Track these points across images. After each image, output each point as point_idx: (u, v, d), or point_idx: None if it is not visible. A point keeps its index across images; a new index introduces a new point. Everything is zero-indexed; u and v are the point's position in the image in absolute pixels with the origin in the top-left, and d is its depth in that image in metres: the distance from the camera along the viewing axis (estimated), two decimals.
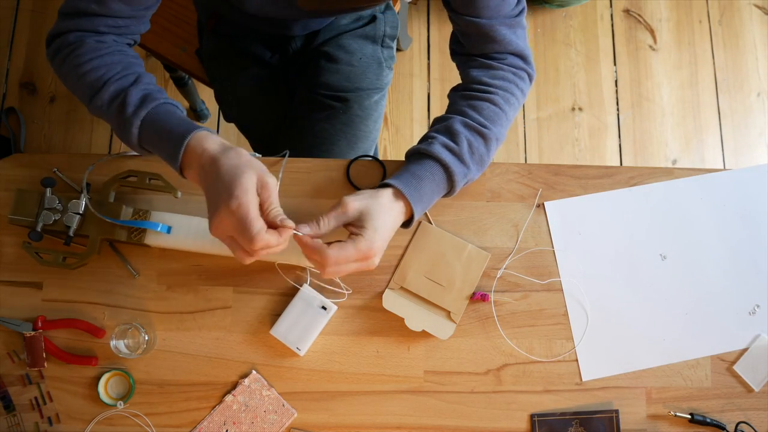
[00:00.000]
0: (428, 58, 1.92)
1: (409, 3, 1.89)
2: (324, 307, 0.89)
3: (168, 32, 1.33)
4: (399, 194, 0.82)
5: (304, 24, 1.08)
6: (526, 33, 0.89)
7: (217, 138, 0.77)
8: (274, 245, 0.72)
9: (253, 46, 1.16)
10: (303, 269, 0.92)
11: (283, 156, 0.95)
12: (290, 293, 0.91)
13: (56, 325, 0.90)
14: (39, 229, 0.87)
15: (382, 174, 0.96)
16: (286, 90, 1.20)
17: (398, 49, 1.89)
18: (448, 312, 0.91)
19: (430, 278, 0.92)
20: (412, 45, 1.93)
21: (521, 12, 0.88)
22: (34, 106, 1.87)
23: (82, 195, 0.88)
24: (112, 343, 0.86)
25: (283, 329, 0.89)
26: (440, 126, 0.86)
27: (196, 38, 1.29)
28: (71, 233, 0.88)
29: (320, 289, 0.91)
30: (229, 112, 1.25)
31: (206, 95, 1.85)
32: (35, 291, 0.91)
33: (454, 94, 0.90)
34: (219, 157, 0.73)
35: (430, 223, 0.94)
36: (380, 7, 1.17)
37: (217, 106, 1.28)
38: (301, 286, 0.90)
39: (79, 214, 0.88)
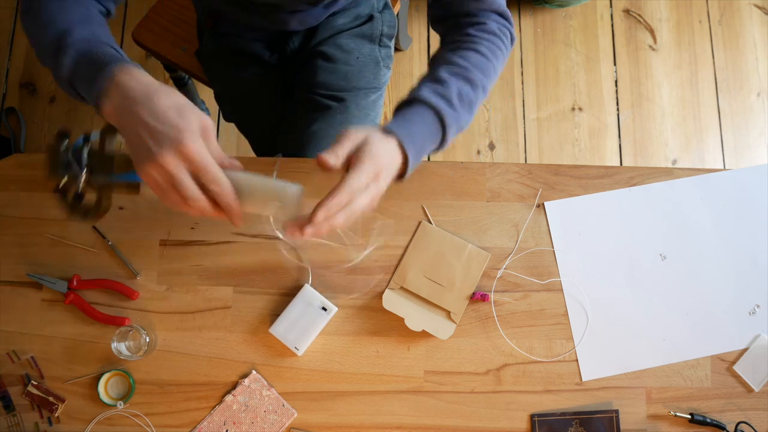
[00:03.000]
0: (428, 58, 1.92)
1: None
2: (324, 308, 0.89)
3: (168, 32, 1.33)
4: (390, 133, 0.75)
5: (301, 19, 1.08)
6: None
7: (149, 76, 0.68)
8: (228, 192, 0.65)
9: (251, 46, 1.16)
10: (304, 269, 0.92)
11: (283, 155, 0.95)
12: (291, 293, 0.91)
13: (91, 285, 0.91)
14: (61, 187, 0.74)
15: None
16: (284, 90, 1.20)
17: (398, 49, 1.89)
18: (448, 312, 0.91)
19: (430, 278, 0.92)
20: (412, 45, 1.93)
21: None
22: (34, 106, 1.87)
23: (92, 133, 0.74)
24: (113, 345, 0.86)
25: (283, 328, 0.89)
26: (426, 77, 0.82)
27: (196, 38, 1.29)
28: (80, 190, 0.74)
29: (321, 290, 0.91)
30: (228, 112, 1.25)
31: (206, 95, 1.85)
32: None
33: (438, 50, 0.87)
34: (157, 92, 0.65)
35: (430, 223, 0.94)
36: (378, 6, 1.17)
37: (217, 106, 1.28)
38: (302, 286, 0.90)
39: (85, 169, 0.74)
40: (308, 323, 0.89)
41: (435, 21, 0.91)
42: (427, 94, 0.79)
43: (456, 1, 0.86)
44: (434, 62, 0.85)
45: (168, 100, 0.65)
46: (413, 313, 0.90)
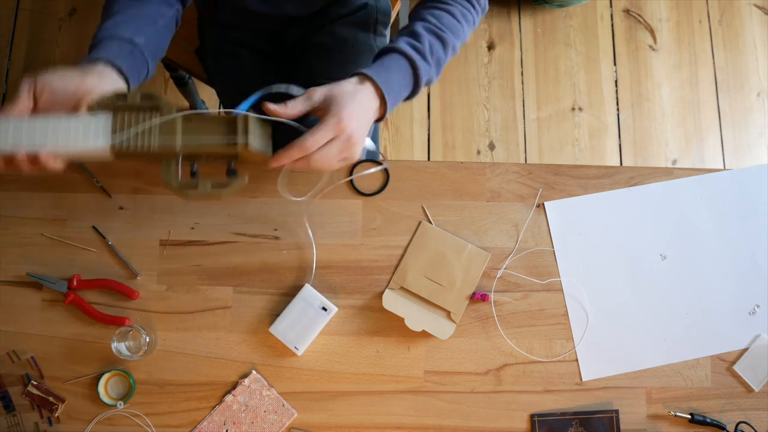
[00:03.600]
0: None
1: None
2: (324, 308, 0.89)
3: None
4: (366, 78, 0.82)
5: (298, 1, 1.09)
6: None
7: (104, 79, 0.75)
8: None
9: (250, 38, 1.17)
10: (305, 268, 0.92)
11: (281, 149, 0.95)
12: (291, 293, 0.91)
13: (91, 285, 0.90)
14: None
15: (386, 177, 0.96)
16: (283, 81, 1.21)
17: None
18: (448, 312, 0.91)
19: (430, 278, 0.92)
20: None
21: None
22: None
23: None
24: (114, 345, 0.86)
25: (283, 328, 0.89)
26: (403, 30, 0.89)
27: (196, 37, 1.29)
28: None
29: (322, 291, 0.91)
30: (228, 107, 1.25)
31: (206, 94, 1.84)
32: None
33: (416, 8, 0.93)
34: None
35: (430, 223, 0.94)
36: None
37: (217, 106, 1.29)
38: (303, 285, 0.90)
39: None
40: (308, 323, 0.89)
41: None
42: (404, 45, 0.85)
43: None
44: (411, 17, 0.91)
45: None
46: (413, 313, 0.90)
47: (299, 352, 0.89)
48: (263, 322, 0.91)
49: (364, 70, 0.82)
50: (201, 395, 0.89)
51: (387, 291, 0.91)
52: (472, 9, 0.93)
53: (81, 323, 0.91)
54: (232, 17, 1.17)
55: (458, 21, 0.91)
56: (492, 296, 0.92)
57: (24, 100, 0.72)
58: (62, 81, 0.73)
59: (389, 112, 0.83)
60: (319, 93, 0.80)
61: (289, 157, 0.77)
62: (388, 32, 1.22)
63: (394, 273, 0.92)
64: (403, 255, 0.93)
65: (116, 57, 0.78)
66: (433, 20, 0.88)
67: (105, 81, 0.75)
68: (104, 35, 0.81)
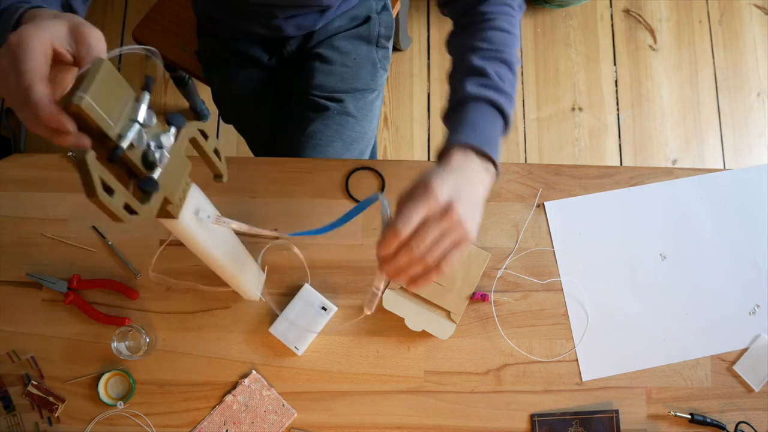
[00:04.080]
0: (428, 58, 1.92)
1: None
2: (324, 308, 0.89)
3: (168, 32, 1.33)
4: (462, 146, 0.70)
5: (297, 24, 1.08)
6: None
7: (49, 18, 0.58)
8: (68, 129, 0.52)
9: (250, 49, 1.16)
10: (304, 268, 0.92)
11: (281, 155, 0.95)
12: (290, 293, 0.91)
13: (91, 285, 0.91)
14: (124, 146, 0.53)
15: (381, 183, 0.96)
16: (282, 92, 1.20)
17: (398, 49, 1.89)
18: (449, 312, 0.91)
19: None
20: (412, 45, 1.93)
21: None
22: None
23: (171, 128, 0.60)
24: (113, 345, 0.86)
25: (282, 328, 0.89)
26: (461, 71, 0.78)
27: (196, 38, 1.29)
28: (156, 175, 0.58)
29: (321, 290, 0.91)
30: (227, 114, 1.25)
31: (206, 95, 1.84)
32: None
33: (455, 38, 0.83)
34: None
35: None
36: (377, 8, 1.17)
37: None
38: (302, 285, 0.90)
39: (168, 155, 0.59)
40: (308, 323, 0.89)
41: (442, 4, 0.87)
42: (475, 89, 0.75)
43: None
44: (457, 51, 0.81)
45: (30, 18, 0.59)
46: (413, 313, 0.90)
47: (299, 352, 0.89)
48: (263, 322, 0.91)
49: (452, 140, 0.70)
50: (201, 395, 0.89)
51: (387, 291, 0.91)
52: (512, 11, 0.82)
53: (81, 323, 0.91)
54: (231, 34, 1.17)
55: (508, 32, 0.80)
56: (492, 296, 0.92)
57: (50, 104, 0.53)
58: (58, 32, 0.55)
59: (499, 167, 0.73)
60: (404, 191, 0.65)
61: (385, 247, 0.62)
62: (390, 45, 1.21)
63: None
64: None
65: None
66: (486, 45, 0.78)
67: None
68: None
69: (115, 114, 0.53)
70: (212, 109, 1.86)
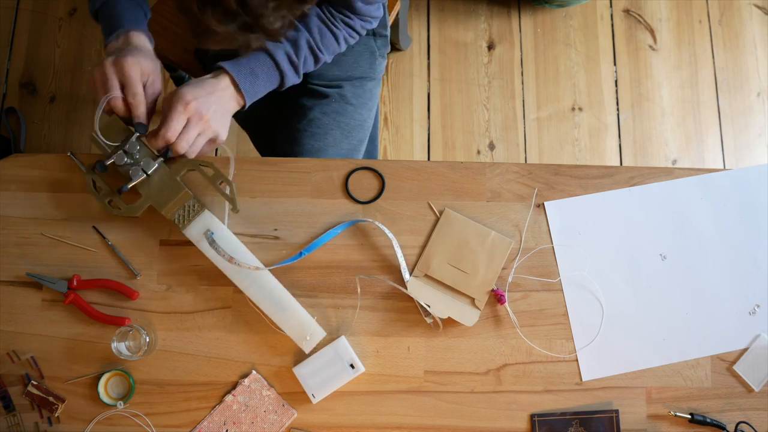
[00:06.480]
0: (428, 58, 1.92)
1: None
2: (352, 366, 0.88)
3: (168, 31, 1.33)
4: (222, 72, 0.91)
5: None
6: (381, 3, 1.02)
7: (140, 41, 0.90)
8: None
9: None
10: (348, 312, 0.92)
11: (282, 148, 0.95)
12: (290, 294, 0.91)
13: (91, 285, 0.90)
14: (107, 164, 0.87)
15: (381, 183, 0.96)
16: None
17: (398, 49, 1.89)
18: (473, 299, 0.91)
19: (453, 265, 0.92)
20: (412, 45, 1.93)
21: None
22: (34, 106, 1.87)
23: (159, 159, 0.88)
24: (113, 345, 0.86)
25: (306, 372, 0.88)
26: (290, 35, 0.95)
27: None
28: (128, 186, 0.88)
29: (322, 290, 0.91)
30: None
31: None
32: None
33: (316, 9, 0.98)
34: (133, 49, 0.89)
35: (438, 218, 0.94)
36: None
37: None
38: (339, 337, 0.89)
39: (146, 173, 0.88)
40: (332, 375, 0.88)
41: None
42: (281, 55, 0.93)
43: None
44: (303, 17, 0.96)
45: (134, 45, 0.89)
46: (438, 301, 0.90)
47: (315, 401, 0.88)
48: (263, 322, 0.91)
49: (225, 65, 0.91)
50: (201, 395, 0.89)
51: (411, 278, 0.91)
52: (354, 34, 1.02)
53: (81, 323, 0.91)
54: None
55: (338, 44, 1.00)
56: (507, 296, 0.91)
57: (138, 75, 0.86)
58: (139, 65, 0.86)
59: (248, 103, 0.93)
60: (170, 94, 0.88)
61: (153, 145, 0.87)
62: (388, 32, 1.22)
63: (417, 261, 0.92)
64: (426, 242, 0.93)
65: (136, 23, 0.91)
66: (317, 37, 0.97)
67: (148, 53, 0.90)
68: None
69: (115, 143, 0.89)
70: None
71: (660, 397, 0.91)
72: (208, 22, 0.73)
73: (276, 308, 0.88)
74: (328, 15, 0.99)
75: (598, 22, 1.96)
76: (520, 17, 1.95)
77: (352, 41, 1.04)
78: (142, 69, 0.86)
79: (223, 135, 0.90)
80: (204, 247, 0.89)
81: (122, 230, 0.93)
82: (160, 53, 1.33)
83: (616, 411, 0.90)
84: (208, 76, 0.91)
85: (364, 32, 1.04)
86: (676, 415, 0.89)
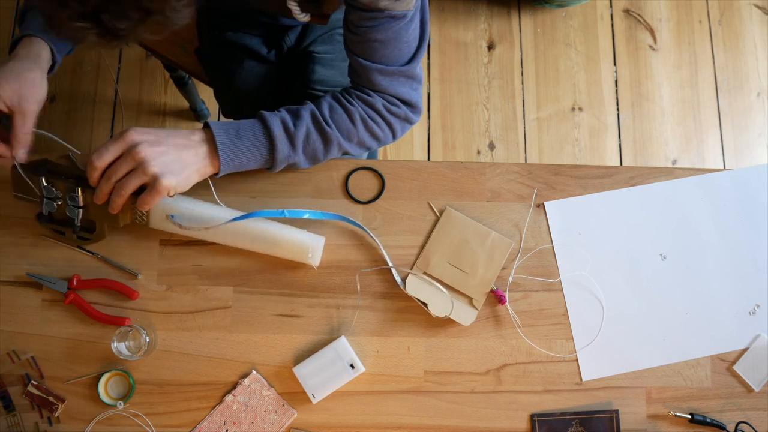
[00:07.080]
0: (428, 58, 1.92)
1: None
2: (352, 366, 0.88)
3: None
4: (211, 141, 0.82)
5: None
6: (414, 82, 0.90)
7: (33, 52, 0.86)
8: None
9: (248, 41, 1.17)
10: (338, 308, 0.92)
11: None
12: (289, 293, 0.91)
13: (91, 285, 0.90)
14: (46, 214, 0.89)
15: (381, 183, 0.96)
16: (282, 87, 1.21)
17: None
18: (471, 298, 0.91)
19: (453, 264, 0.92)
20: None
21: (410, 62, 0.87)
22: None
23: (76, 187, 0.86)
24: (113, 345, 0.86)
25: (306, 372, 0.88)
26: (293, 106, 0.88)
27: (195, 37, 1.29)
28: (77, 224, 0.89)
29: (322, 290, 0.91)
30: (227, 109, 1.25)
31: (206, 95, 1.84)
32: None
33: (332, 93, 0.91)
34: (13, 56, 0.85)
35: (438, 217, 0.94)
36: None
37: (217, 106, 1.29)
38: (339, 336, 0.89)
39: (79, 207, 0.87)
40: (332, 375, 0.88)
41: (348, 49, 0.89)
42: (275, 121, 0.84)
43: (361, 74, 0.87)
44: (322, 98, 0.89)
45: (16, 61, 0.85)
46: (436, 299, 0.90)
47: (314, 401, 0.88)
48: (263, 322, 0.91)
49: (210, 122, 0.83)
50: (201, 395, 0.89)
51: (410, 276, 0.91)
52: (380, 120, 0.89)
53: (81, 323, 0.91)
54: (230, 23, 1.17)
55: (354, 124, 0.88)
56: (507, 296, 0.91)
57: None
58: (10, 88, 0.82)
59: (222, 173, 0.84)
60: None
61: (90, 173, 0.80)
62: None
63: (417, 259, 0.92)
64: (426, 240, 0.93)
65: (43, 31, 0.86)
66: (326, 112, 0.87)
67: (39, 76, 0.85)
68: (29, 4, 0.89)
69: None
70: (212, 109, 1.86)
71: (660, 397, 0.91)
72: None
73: (269, 245, 0.89)
74: (344, 92, 0.90)
75: (598, 22, 1.96)
76: (520, 17, 1.96)
77: (381, 130, 0.90)
78: (3, 101, 0.82)
79: (169, 182, 0.78)
80: (175, 230, 0.89)
81: (122, 230, 0.93)
82: (159, 53, 1.33)
83: (616, 411, 0.90)
84: (193, 130, 0.84)
85: (393, 118, 0.91)
86: (676, 415, 0.89)
